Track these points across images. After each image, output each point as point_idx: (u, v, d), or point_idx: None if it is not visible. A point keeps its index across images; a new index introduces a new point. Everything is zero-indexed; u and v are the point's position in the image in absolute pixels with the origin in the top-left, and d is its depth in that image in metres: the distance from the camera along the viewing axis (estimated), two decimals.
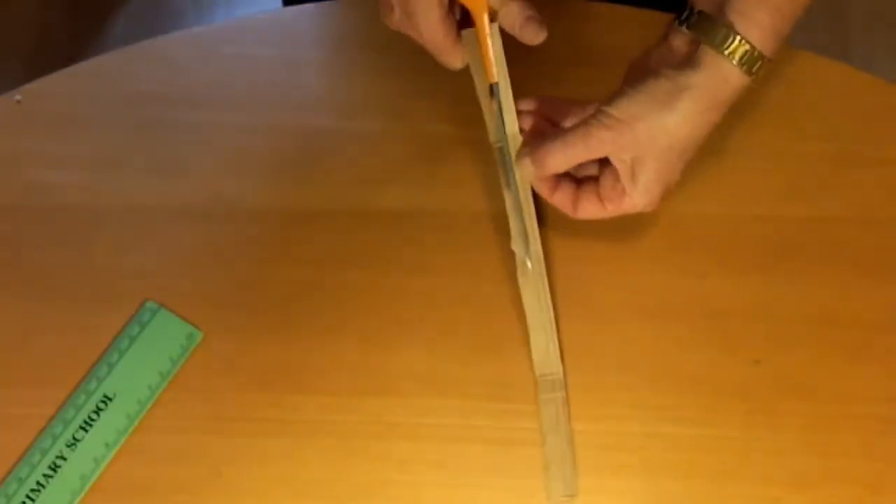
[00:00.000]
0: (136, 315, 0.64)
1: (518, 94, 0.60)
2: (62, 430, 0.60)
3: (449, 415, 0.62)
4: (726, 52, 0.56)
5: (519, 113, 0.62)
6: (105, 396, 0.62)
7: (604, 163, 0.60)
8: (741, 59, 0.55)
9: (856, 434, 0.61)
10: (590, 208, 0.60)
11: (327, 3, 0.78)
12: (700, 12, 0.59)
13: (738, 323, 0.65)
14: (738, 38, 0.55)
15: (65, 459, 0.60)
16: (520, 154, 0.61)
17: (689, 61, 0.57)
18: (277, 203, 0.69)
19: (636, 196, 0.59)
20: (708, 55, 0.56)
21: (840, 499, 0.59)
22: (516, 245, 0.61)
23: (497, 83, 0.60)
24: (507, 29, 0.60)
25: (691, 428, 0.61)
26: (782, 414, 0.62)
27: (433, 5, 0.57)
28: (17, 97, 0.72)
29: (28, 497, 0.58)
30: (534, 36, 0.59)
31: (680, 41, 0.61)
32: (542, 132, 0.62)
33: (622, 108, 0.57)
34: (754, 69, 0.56)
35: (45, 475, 0.59)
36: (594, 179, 0.61)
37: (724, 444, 0.61)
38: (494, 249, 0.66)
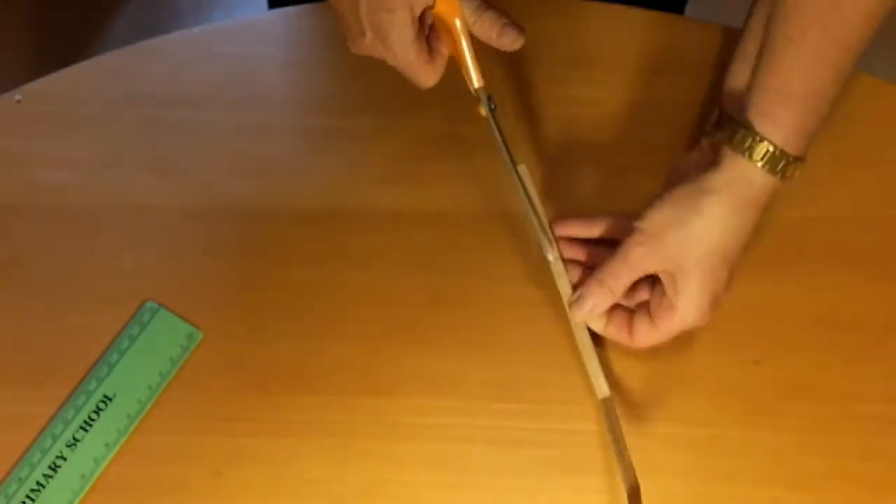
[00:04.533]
0: (136, 315, 0.64)
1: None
2: (62, 430, 0.60)
3: (449, 415, 0.62)
4: (746, 152, 0.55)
5: (557, 240, 0.63)
6: (105, 396, 0.62)
7: (656, 281, 0.60)
8: (762, 157, 0.55)
9: (855, 434, 0.61)
10: (644, 331, 0.60)
11: (327, 2, 0.78)
12: (724, 114, 0.59)
13: (738, 323, 0.65)
14: (758, 137, 0.55)
15: (65, 459, 0.60)
16: (570, 306, 0.61)
17: (712, 163, 0.57)
18: (277, 203, 0.69)
19: (682, 307, 0.58)
20: (728, 156, 0.56)
21: (840, 499, 0.59)
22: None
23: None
24: (485, 38, 0.59)
25: (691, 428, 0.61)
26: (782, 414, 0.62)
27: (407, 25, 0.58)
28: (17, 97, 0.72)
29: (28, 497, 0.58)
30: (511, 42, 0.59)
31: (708, 144, 0.62)
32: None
33: (651, 221, 0.57)
34: (779, 168, 0.55)
35: (45, 475, 0.59)
36: (647, 304, 0.61)
37: (724, 444, 0.61)
38: (495, 249, 0.66)
